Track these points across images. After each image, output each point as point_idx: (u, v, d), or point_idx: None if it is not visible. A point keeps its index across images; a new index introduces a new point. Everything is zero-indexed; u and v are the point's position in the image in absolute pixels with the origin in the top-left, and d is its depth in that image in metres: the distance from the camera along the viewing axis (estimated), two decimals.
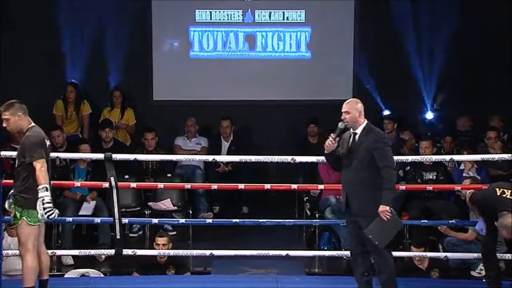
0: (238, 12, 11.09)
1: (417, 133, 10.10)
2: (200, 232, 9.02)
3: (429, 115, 11.01)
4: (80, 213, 8.82)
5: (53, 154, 8.00)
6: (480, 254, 7.34)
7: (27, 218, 6.15)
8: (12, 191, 6.29)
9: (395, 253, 6.68)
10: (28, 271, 6.21)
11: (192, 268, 8.12)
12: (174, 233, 9.14)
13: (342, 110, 6.34)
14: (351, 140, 6.32)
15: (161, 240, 7.82)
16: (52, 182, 7.52)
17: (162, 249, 7.74)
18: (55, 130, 9.52)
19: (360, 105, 6.36)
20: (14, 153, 6.55)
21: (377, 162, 6.16)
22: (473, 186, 7.93)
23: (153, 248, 7.87)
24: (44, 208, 6.04)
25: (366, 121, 6.37)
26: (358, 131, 6.31)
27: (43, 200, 6.04)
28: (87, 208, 8.83)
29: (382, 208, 6.12)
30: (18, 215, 6.17)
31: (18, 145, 6.34)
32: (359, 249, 6.37)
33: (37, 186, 6.07)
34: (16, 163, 6.24)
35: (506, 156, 7.49)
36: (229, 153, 10.24)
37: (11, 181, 6.38)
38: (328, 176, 9.12)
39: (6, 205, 6.31)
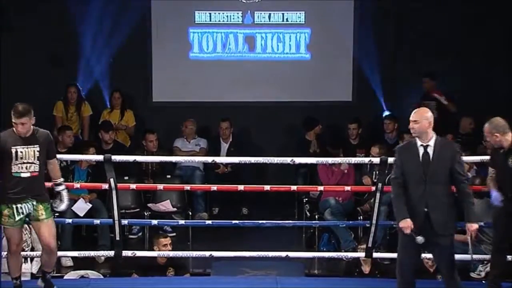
0: (238, 13, 11.07)
1: None
2: (200, 233, 9.01)
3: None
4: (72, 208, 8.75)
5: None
6: (478, 256, 7.39)
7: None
8: (22, 195, 6.23)
9: (392, 255, 6.67)
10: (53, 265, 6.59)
11: (192, 269, 8.12)
12: (174, 234, 9.13)
13: (410, 119, 6.05)
14: (422, 153, 6.02)
15: (165, 240, 7.81)
16: (51, 183, 7.59)
17: (162, 250, 7.72)
18: (63, 131, 9.56)
19: (430, 115, 6.06)
20: None
21: (456, 175, 5.95)
22: (474, 187, 7.97)
23: (153, 250, 7.86)
24: (67, 200, 6.46)
25: (434, 133, 6.07)
26: (431, 143, 6.01)
27: (66, 191, 6.46)
28: (78, 208, 8.76)
29: (474, 226, 6.02)
30: (48, 210, 6.32)
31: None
32: (411, 278, 6.17)
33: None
34: (35, 162, 6.23)
35: None
36: (228, 154, 10.23)
37: None
38: (328, 178, 9.13)
39: (25, 210, 6.26)
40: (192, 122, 10.42)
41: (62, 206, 6.44)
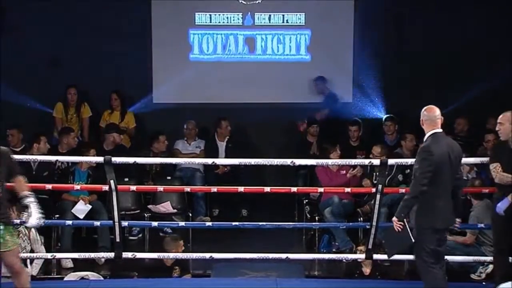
0: (238, 15, 11.07)
1: (418, 135, 10.06)
2: (200, 235, 8.97)
3: None
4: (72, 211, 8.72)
5: (52, 158, 8.12)
6: (479, 257, 7.41)
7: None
8: None
9: (398, 257, 6.70)
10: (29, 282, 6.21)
11: (192, 271, 8.10)
12: (174, 235, 9.12)
13: None
14: None
15: (182, 243, 7.88)
16: (52, 185, 7.64)
17: (179, 252, 7.75)
18: (67, 133, 9.57)
19: (424, 112, 6.30)
20: None
21: None
22: (474, 189, 7.99)
23: (153, 251, 7.88)
24: (38, 212, 5.98)
25: (432, 131, 6.26)
26: (423, 140, 6.36)
27: (36, 204, 5.99)
28: (79, 210, 8.73)
29: (393, 218, 6.23)
30: (14, 236, 6.06)
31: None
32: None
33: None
34: None
35: None
36: (226, 151, 10.24)
37: None
38: (328, 179, 9.11)
39: None
40: (193, 124, 10.44)
41: (32, 221, 5.92)
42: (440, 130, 6.25)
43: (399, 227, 6.15)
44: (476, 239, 8.06)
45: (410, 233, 6.15)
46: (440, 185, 6.13)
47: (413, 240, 6.15)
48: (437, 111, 6.27)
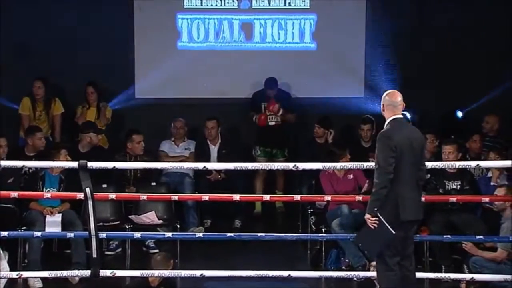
0: None
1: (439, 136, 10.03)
2: (189, 249, 8.97)
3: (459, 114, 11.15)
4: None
5: (17, 163, 7.99)
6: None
7: None
8: None
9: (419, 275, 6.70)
10: None
11: None
12: (156, 251, 9.03)
13: None
14: None
15: (172, 262, 7.78)
16: (18, 193, 7.53)
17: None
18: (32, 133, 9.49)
19: (384, 97, 6.61)
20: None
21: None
22: (505, 197, 7.91)
23: (135, 269, 7.79)
24: None
25: (391, 117, 6.57)
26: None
27: None
28: (52, 223, 8.62)
29: (366, 215, 6.48)
30: None
31: None
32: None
33: None
34: None
35: None
36: (219, 157, 10.23)
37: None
38: (331, 187, 9.13)
39: None
40: (181, 122, 10.41)
41: None
42: (401, 116, 6.59)
43: (375, 223, 6.42)
44: (508, 255, 7.98)
45: (388, 226, 6.40)
46: (403, 173, 6.42)
47: (394, 232, 6.38)
48: (399, 97, 6.58)
